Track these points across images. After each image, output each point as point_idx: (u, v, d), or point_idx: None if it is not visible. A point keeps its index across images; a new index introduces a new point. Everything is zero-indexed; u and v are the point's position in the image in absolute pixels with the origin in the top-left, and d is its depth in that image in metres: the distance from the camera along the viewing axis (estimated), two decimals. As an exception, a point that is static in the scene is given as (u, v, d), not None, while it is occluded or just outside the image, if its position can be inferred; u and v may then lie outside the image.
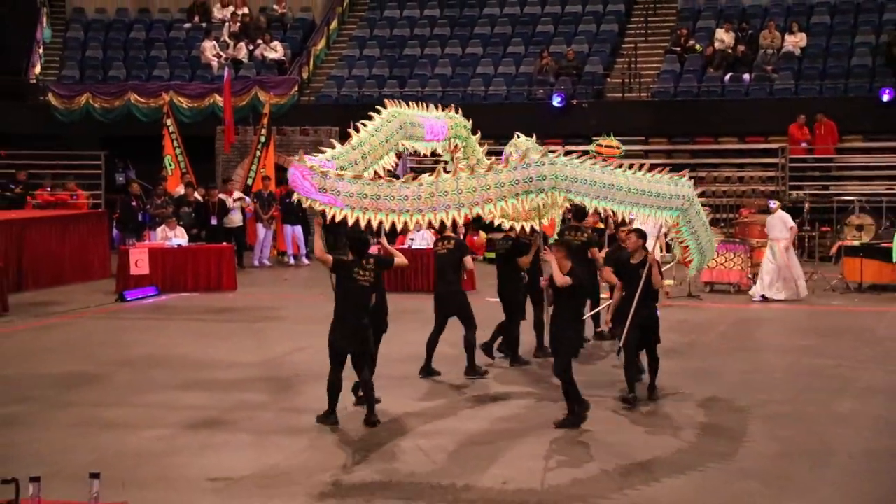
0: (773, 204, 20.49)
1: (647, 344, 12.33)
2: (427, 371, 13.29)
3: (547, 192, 10.60)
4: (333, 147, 11.31)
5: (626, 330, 11.90)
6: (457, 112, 13.45)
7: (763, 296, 19.58)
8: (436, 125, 12.89)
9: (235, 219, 24.99)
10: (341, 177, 10.27)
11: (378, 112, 11.80)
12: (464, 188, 10.46)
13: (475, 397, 12.45)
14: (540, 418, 11.37)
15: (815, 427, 11.21)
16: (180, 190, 25.46)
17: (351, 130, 11.67)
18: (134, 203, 24.61)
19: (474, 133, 13.84)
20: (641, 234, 12.09)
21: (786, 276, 19.74)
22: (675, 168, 28.14)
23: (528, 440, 10.58)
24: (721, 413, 11.74)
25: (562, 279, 10.99)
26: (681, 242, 11.51)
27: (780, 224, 19.85)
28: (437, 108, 13.28)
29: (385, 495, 9.02)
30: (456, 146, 13.10)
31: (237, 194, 25.24)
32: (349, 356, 11.16)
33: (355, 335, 11.07)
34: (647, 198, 11.13)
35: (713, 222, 25.27)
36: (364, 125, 11.68)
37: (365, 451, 10.30)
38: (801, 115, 26.91)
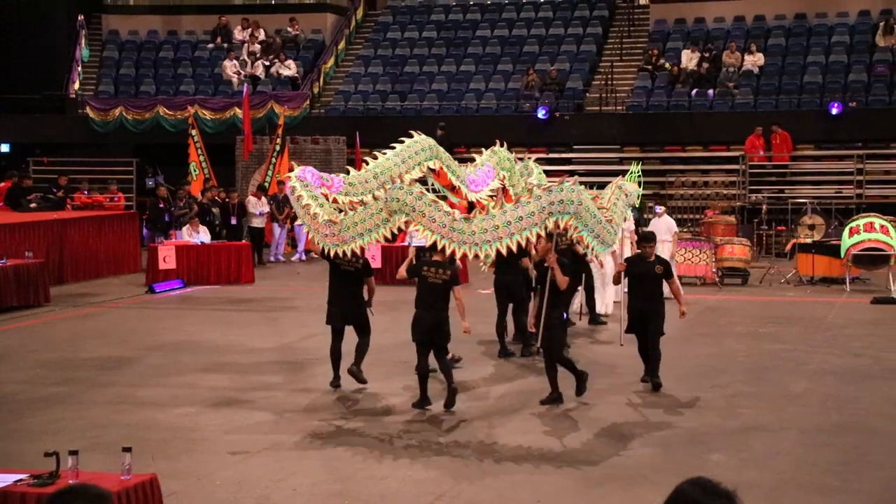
0: (659, 209, 19.30)
1: (646, 336, 11.88)
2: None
3: (565, 215, 10.64)
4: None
5: (541, 331, 11.21)
6: (447, 125, 13.25)
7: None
8: (479, 177, 12.70)
9: (258, 221, 24.95)
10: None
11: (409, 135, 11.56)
12: (501, 222, 10.61)
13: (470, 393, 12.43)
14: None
15: (772, 405, 11.22)
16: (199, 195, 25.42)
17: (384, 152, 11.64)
18: (161, 205, 24.63)
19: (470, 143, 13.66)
20: (550, 237, 11.63)
21: None
22: (646, 173, 28.22)
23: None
24: (688, 392, 11.74)
25: (563, 280, 11.10)
26: (578, 234, 11.29)
27: (665, 229, 18.45)
28: (477, 153, 13.21)
29: (393, 459, 9.00)
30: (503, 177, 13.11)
31: (264, 200, 25.21)
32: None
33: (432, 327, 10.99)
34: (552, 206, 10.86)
35: (680, 222, 25.40)
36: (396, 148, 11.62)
37: (372, 427, 10.29)
38: (758, 126, 26.90)
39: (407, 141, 11.90)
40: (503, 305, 13.86)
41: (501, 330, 13.86)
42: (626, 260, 12.79)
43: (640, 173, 12.01)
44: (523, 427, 10.20)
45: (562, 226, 10.78)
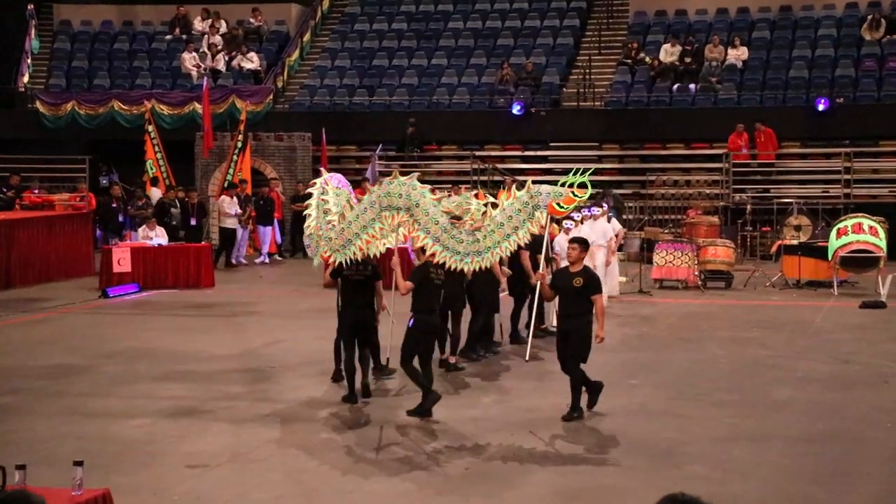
0: (596, 210, 18.00)
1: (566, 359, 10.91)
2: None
3: (394, 210, 11.12)
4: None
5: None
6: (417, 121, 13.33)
7: None
8: None
9: (232, 221, 24.86)
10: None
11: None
12: (493, 228, 10.99)
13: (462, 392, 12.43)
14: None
15: (756, 413, 11.27)
16: (154, 193, 25.28)
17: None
18: (114, 205, 24.45)
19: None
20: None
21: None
22: (625, 172, 28.28)
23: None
24: (669, 401, 11.77)
25: (548, 291, 11.16)
26: (414, 235, 11.37)
27: (601, 233, 17.90)
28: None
29: (361, 472, 8.98)
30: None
31: (236, 200, 25.12)
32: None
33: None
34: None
35: (661, 223, 25.51)
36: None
37: (339, 439, 10.26)
38: (740, 124, 27.05)
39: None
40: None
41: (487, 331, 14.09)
42: (555, 272, 12.45)
43: (588, 181, 11.23)
44: (494, 440, 10.19)
45: (396, 221, 11.12)
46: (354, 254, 11.25)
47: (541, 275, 11.51)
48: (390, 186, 11.18)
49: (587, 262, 11.42)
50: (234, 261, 25.16)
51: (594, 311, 10.76)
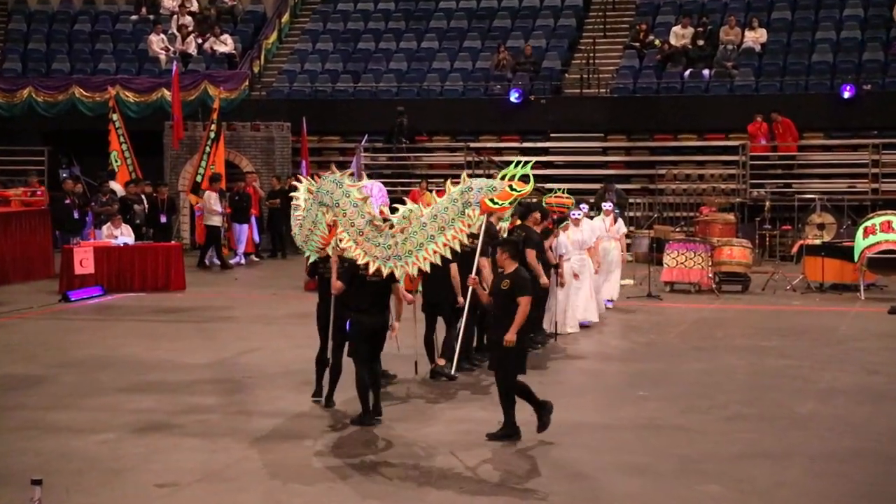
0: (577, 213, 16.98)
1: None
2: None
3: (323, 206, 11.45)
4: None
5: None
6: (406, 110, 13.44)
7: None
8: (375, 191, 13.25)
9: (217, 219, 24.88)
10: None
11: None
12: (415, 229, 11.09)
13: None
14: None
15: (776, 428, 11.28)
16: (115, 187, 25.25)
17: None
18: (68, 201, 24.21)
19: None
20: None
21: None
22: (633, 165, 28.35)
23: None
24: (681, 415, 11.78)
25: (485, 297, 11.13)
26: (340, 234, 11.47)
27: (590, 235, 17.23)
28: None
29: (344, 493, 8.98)
30: None
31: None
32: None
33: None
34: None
35: (672, 221, 25.54)
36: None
37: (319, 455, 10.26)
38: (758, 114, 27.10)
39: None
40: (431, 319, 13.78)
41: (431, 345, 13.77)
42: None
43: (530, 174, 11.12)
44: (488, 456, 10.20)
45: (329, 219, 11.37)
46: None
47: (473, 279, 11.44)
48: (321, 182, 11.53)
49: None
50: (206, 261, 25.16)
51: (518, 315, 10.47)
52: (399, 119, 28.86)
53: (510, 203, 11.23)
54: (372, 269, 11.09)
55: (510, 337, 10.43)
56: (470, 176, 11.47)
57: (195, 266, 24.20)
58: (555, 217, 16.17)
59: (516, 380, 10.64)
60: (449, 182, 11.39)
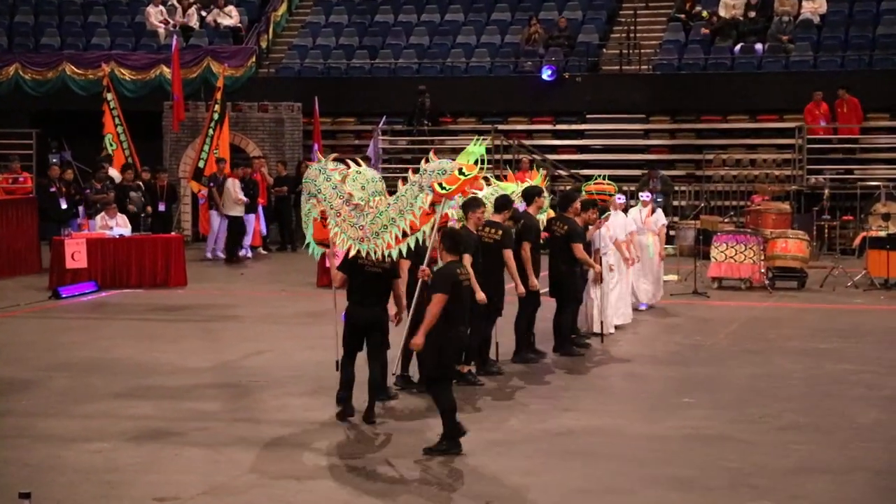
0: (622, 198, 17.46)
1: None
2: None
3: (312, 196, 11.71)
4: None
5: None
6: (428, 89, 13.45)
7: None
8: None
9: (238, 209, 25.02)
10: None
11: None
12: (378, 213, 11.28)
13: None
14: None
15: (836, 440, 11.25)
16: (112, 174, 25.36)
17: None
18: (54, 188, 24.17)
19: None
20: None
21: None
22: (677, 149, 28.25)
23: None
24: (730, 424, 11.76)
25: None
26: (329, 224, 11.60)
27: (621, 226, 17.07)
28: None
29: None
30: None
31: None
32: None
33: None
34: None
35: (720, 210, 25.46)
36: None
37: (331, 466, 10.29)
38: (818, 92, 26.98)
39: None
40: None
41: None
42: None
43: (482, 155, 11.18)
44: (521, 466, 10.22)
45: (318, 210, 11.63)
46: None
47: (424, 270, 11.40)
48: (307, 171, 11.90)
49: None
50: (208, 254, 25.26)
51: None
52: (420, 99, 28.87)
53: (455, 189, 11.11)
54: (352, 253, 11.28)
55: (418, 340, 10.39)
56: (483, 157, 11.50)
57: (223, 260, 24.59)
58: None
59: (436, 387, 10.58)
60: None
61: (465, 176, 10.94)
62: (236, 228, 25.21)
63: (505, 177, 15.83)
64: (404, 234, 11.06)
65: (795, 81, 27.96)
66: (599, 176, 17.64)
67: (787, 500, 9.43)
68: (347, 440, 11.13)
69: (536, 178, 15.74)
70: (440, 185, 10.86)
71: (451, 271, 10.48)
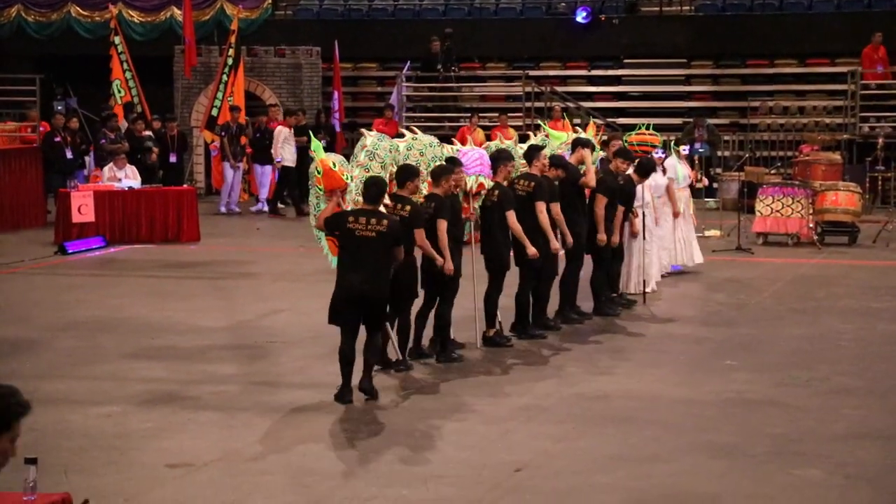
0: (660, 152, 17.03)
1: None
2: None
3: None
4: None
5: None
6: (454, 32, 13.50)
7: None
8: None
9: (287, 155, 25.16)
10: None
11: None
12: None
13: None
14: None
15: (889, 404, 11.23)
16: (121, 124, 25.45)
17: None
18: (58, 138, 24.17)
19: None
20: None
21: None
22: (721, 96, 28.09)
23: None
24: (775, 388, 11.75)
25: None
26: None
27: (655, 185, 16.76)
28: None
29: (381, 475, 9.04)
30: None
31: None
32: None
33: None
34: None
35: (766, 161, 25.32)
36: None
37: (352, 432, 10.33)
38: (877, 32, 26.75)
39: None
40: None
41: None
42: None
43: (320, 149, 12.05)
44: (552, 432, 10.23)
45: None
46: None
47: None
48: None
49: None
50: (222, 208, 25.32)
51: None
52: (447, 43, 28.76)
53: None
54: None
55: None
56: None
57: (266, 214, 25.19)
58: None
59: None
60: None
61: (319, 173, 11.40)
62: (286, 179, 25.36)
63: (538, 127, 15.68)
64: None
65: (849, 22, 27.74)
66: (643, 125, 17.43)
67: (836, 468, 9.42)
68: (367, 405, 11.15)
69: (590, 131, 15.64)
70: (317, 188, 11.55)
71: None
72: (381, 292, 11.14)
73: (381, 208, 11.26)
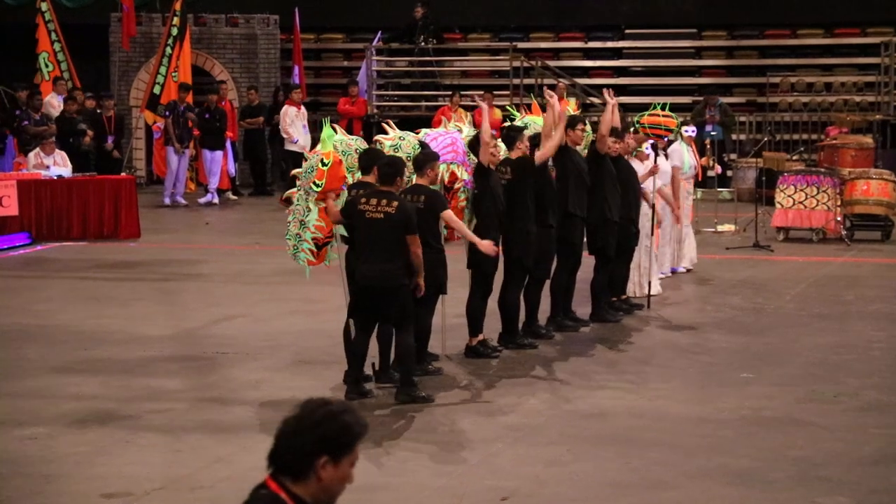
0: (692, 130, 17.74)
1: None
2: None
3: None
4: None
5: None
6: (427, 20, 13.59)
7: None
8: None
9: (300, 141, 25.24)
10: None
11: None
12: None
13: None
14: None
15: (926, 423, 11.29)
16: (53, 101, 25.38)
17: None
18: None
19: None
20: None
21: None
22: (736, 71, 28.19)
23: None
24: (798, 403, 11.79)
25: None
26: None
27: (664, 172, 16.93)
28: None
29: None
30: None
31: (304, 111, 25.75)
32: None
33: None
34: None
35: (787, 145, 25.41)
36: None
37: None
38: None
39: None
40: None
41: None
42: None
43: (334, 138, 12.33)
44: (543, 455, 10.27)
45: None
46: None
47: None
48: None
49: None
50: (166, 200, 25.28)
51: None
52: (422, 11, 28.77)
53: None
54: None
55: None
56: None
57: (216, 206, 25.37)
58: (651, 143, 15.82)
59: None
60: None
61: (327, 165, 11.68)
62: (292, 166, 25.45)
63: (528, 107, 15.64)
64: (319, 247, 12.11)
65: (880, -11, 27.88)
66: (657, 105, 16.96)
67: (867, 496, 9.47)
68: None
69: (570, 105, 15.56)
70: (314, 183, 11.73)
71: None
72: (390, 282, 11.40)
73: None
